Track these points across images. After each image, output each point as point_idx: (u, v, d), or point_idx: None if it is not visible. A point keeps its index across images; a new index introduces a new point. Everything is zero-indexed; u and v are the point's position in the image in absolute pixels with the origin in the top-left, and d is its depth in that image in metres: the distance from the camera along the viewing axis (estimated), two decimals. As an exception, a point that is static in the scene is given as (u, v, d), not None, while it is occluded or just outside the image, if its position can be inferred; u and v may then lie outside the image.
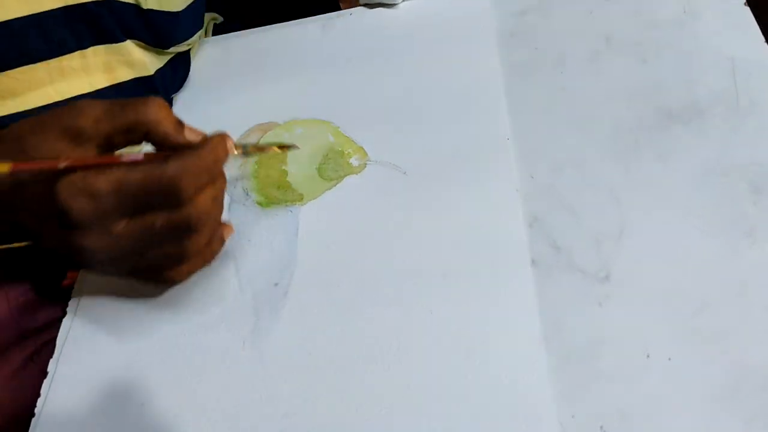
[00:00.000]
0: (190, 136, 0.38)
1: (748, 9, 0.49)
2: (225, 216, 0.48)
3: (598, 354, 0.37)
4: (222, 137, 0.39)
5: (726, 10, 0.49)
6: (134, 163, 0.36)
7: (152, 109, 0.37)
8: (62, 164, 0.34)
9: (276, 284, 0.44)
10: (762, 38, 0.47)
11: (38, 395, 0.42)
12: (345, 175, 0.48)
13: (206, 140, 0.38)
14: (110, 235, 0.36)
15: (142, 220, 0.36)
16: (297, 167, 0.50)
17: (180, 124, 0.38)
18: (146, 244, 0.37)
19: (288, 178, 0.49)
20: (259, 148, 0.46)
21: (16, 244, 0.44)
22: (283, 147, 0.46)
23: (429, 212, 0.45)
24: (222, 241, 0.42)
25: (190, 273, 0.42)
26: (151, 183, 0.35)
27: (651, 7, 0.51)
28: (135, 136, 0.37)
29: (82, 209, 0.35)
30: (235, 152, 0.40)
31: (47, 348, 0.45)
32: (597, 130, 0.46)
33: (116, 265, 0.40)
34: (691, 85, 0.46)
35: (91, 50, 0.49)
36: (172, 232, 0.37)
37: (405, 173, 0.47)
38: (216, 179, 0.39)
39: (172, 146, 0.37)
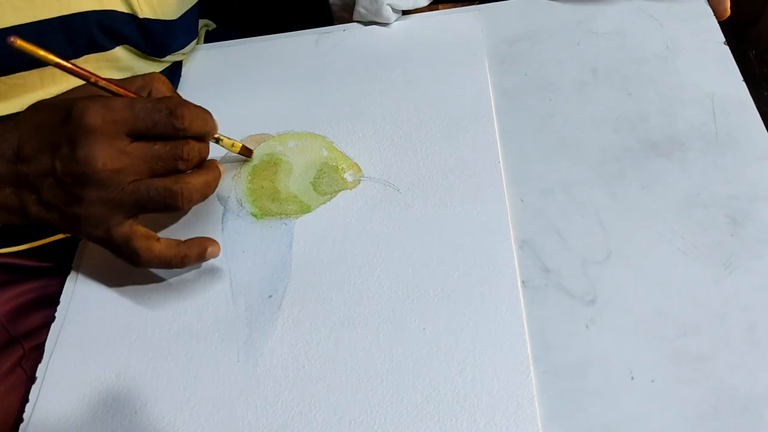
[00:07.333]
0: None
1: (727, 48, 0.51)
2: (218, 225, 0.49)
3: (585, 374, 0.39)
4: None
5: (706, 48, 0.52)
6: None
7: (157, 76, 0.44)
8: (93, 78, 0.40)
9: (270, 296, 0.45)
10: (740, 76, 0.49)
11: (27, 400, 0.42)
12: (339, 190, 0.49)
13: None
14: (118, 149, 0.39)
15: (145, 142, 0.40)
16: (291, 180, 0.50)
17: (176, 94, 0.45)
18: (148, 164, 0.40)
19: (282, 191, 0.50)
20: (227, 139, 0.49)
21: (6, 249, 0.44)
22: (244, 153, 0.51)
23: (422, 231, 0.46)
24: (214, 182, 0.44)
25: (191, 199, 0.42)
26: (158, 104, 0.40)
27: (635, 42, 0.53)
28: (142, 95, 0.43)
29: (97, 113, 0.38)
30: (216, 132, 0.45)
31: (35, 353, 0.44)
32: (584, 158, 0.47)
33: (118, 188, 0.40)
34: (672, 119, 0.48)
35: (83, 58, 0.50)
36: (169, 157, 0.41)
37: (399, 191, 0.48)
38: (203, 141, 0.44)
39: None
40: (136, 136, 0.40)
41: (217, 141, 0.47)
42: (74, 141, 0.38)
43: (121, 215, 0.41)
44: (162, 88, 0.43)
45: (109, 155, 0.38)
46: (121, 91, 0.41)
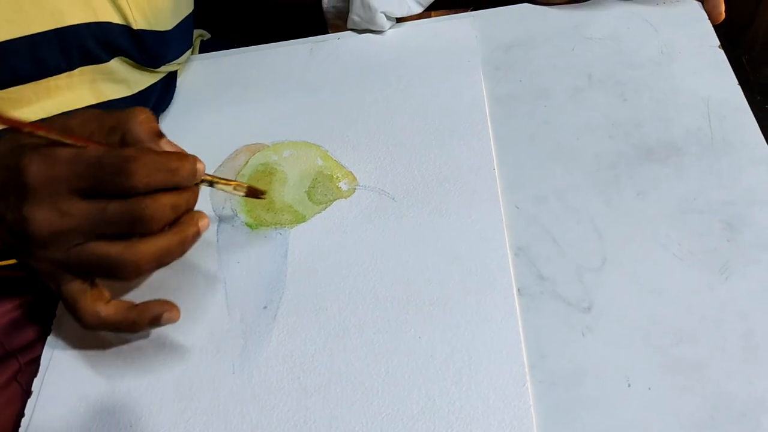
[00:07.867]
0: (165, 147, 0.38)
1: (722, 51, 0.51)
2: (213, 236, 0.48)
3: (581, 382, 0.39)
4: (194, 157, 0.38)
5: (701, 52, 0.51)
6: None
7: (132, 114, 0.38)
8: (27, 128, 0.35)
9: (265, 307, 0.44)
10: (735, 80, 0.49)
11: (23, 415, 0.42)
12: (334, 199, 0.49)
13: (177, 150, 0.39)
14: (60, 211, 0.35)
15: (95, 202, 0.36)
16: (286, 190, 0.50)
17: (159, 135, 0.39)
18: (94, 227, 0.36)
19: (277, 200, 0.49)
20: (225, 183, 0.43)
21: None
22: (252, 194, 0.45)
23: (417, 239, 0.46)
24: (180, 251, 0.38)
25: (139, 271, 0.37)
26: (106, 158, 0.35)
27: (630, 47, 0.53)
28: (114, 138, 0.38)
29: (38, 171, 0.35)
30: (200, 178, 0.39)
31: (31, 367, 0.44)
32: (579, 164, 0.47)
33: (60, 250, 0.36)
34: (668, 124, 0.48)
35: (78, 71, 0.49)
36: (122, 220, 0.36)
37: (394, 199, 0.48)
38: (180, 189, 0.38)
39: None
40: (85, 193, 0.36)
41: (211, 184, 0.42)
42: (19, 196, 0.36)
43: (69, 275, 0.38)
44: (137, 129, 0.37)
45: (47, 218, 0.35)
46: (70, 139, 0.36)
